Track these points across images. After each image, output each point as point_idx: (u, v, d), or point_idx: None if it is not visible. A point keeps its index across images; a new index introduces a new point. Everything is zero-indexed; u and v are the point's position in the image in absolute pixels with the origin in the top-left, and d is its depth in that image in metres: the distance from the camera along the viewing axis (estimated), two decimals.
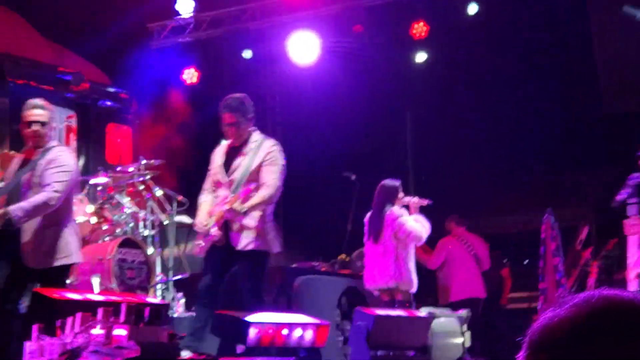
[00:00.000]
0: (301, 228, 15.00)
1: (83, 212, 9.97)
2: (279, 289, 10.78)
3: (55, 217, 7.17)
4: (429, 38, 13.57)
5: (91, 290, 9.00)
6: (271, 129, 16.18)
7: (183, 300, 10.20)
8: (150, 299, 6.92)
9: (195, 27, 14.68)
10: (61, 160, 7.17)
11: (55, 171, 7.07)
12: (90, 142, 14.02)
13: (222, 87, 14.37)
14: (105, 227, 10.04)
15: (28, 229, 7.05)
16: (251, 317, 7.06)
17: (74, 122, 13.82)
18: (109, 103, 14.22)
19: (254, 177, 7.55)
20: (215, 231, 7.45)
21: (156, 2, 13.96)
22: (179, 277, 10.53)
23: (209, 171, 7.90)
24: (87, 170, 13.18)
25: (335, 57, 14.27)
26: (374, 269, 9.70)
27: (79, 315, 5.95)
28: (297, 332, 7.25)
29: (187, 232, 10.53)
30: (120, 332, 5.84)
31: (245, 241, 7.48)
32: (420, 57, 14.13)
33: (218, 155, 7.86)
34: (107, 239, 9.92)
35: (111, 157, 14.06)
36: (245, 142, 7.73)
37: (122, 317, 6.02)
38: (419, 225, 9.54)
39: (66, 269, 7.45)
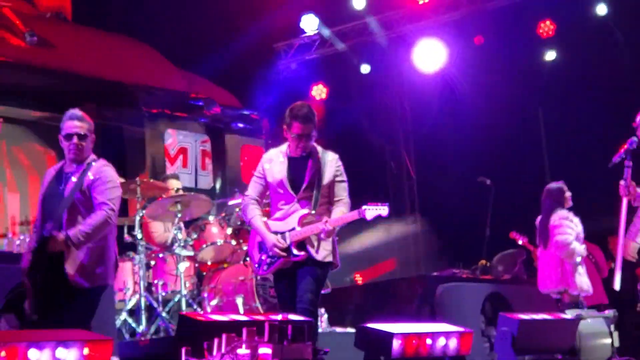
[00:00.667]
0: (440, 235, 14.93)
1: (223, 234, 10.15)
2: (421, 298, 10.75)
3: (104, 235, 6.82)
4: (557, 36, 13.38)
5: (236, 311, 9.14)
6: (403, 139, 16.22)
7: (326, 316, 10.22)
8: (293, 317, 6.90)
9: (320, 44, 14.83)
10: (108, 175, 6.80)
11: (106, 188, 6.72)
12: (226, 165, 14.24)
13: (350, 101, 14.49)
14: (245, 247, 10.16)
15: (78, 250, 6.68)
16: (394, 329, 7.05)
17: (208, 147, 14.11)
18: (241, 125, 14.41)
19: (325, 191, 7.18)
20: (298, 252, 7.12)
21: (281, 22, 14.15)
22: (321, 292, 10.53)
23: (259, 178, 7.30)
24: (224, 193, 13.42)
25: (462, 62, 14.19)
26: (543, 273, 9.81)
27: (224, 336, 6.02)
28: (441, 341, 7.19)
29: None
30: (265, 350, 5.90)
31: (324, 253, 7.17)
32: (550, 55, 13.98)
33: (278, 166, 7.25)
34: (247, 259, 10.04)
35: (247, 178, 14.18)
36: (310, 154, 7.23)
37: (266, 336, 6.07)
38: (568, 233, 9.45)
39: (107, 288, 7.00)
